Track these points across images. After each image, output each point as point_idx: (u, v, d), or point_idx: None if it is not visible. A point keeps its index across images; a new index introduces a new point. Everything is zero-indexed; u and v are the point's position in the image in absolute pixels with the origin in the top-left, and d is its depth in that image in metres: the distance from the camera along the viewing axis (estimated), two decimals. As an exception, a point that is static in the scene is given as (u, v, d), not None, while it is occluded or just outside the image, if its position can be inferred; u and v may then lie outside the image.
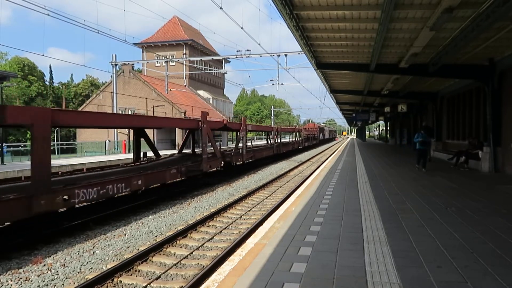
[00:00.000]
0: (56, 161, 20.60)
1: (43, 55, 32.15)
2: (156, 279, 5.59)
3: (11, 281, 5.56)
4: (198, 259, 6.49)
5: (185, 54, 47.10)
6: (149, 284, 5.40)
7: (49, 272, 5.88)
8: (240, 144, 19.49)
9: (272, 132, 28.50)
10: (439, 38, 10.56)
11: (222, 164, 16.31)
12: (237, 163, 18.48)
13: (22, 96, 54.48)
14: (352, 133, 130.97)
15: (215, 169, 15.73)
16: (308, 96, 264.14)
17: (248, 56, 26.56)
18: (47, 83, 64.47)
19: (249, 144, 27.63)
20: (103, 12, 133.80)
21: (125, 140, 30.53)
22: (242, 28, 18.58)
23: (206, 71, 46.22)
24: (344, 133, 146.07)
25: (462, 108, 17.63)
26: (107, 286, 5.37)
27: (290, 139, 39.25)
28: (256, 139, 58.61)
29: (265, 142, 43.84)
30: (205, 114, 14.25)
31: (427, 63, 13.30)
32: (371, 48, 11.84)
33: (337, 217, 6.09)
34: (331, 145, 68.07)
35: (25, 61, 59.22)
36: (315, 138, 54.41)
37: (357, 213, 6.36)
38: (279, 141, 29.40)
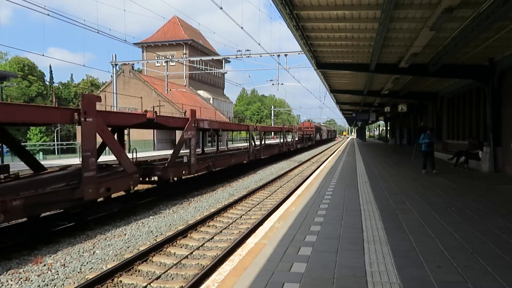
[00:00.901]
0: (56, 161, 20.63)
1: (43, 55, 32.16)
2: (156, 279, 5.59)
3: (11, 281, 5.56)
4: (198, 259, 6.49)
5: (185, 54, 47.09)
6: (149, 284, 5.41)
7: (49, 272, 5.88)
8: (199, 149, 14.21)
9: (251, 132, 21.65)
10: (439, 38, 10.56)
11: (154, 180, 11.89)
12: (183, 177, 13.18)
13: (22, 96, 54.51)
14: (352, 133, 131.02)
15: (120, 193, 10.54)
16: (308, 96, 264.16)
17: (248, 56, 26.54)
18: (47, 83, 64.49)
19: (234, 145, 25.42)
20: (103, 12, 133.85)
21: (125, 140, 30.56)
22: (242, 28, 18.58)
23: (206, 71, 46.20)
24: (344, 133, 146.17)
25: (462, 108, 17.64)
26: (107, 286, 5.37)
27: (280, 141, 32.65)
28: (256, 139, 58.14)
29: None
30: (92, 98, 8.48)
31: (427, 63, 13.30)
32: (371, 48, 11.84)
33: (337, 217, 6.09)
34: (330, 145, 63.53)
35: (25, 61, 59.24)
36: (310, 138, 48.03)
37: (357, 213, 6.36)
38: (260, 143, 25.11)
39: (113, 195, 10.21)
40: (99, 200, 9.51)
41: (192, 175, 13.83)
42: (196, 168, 13.42)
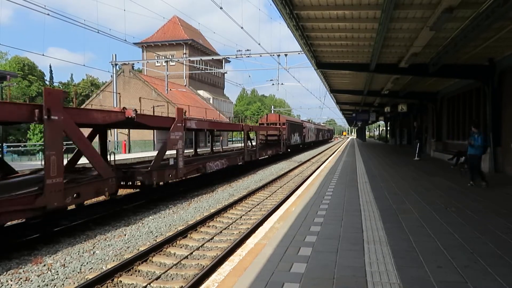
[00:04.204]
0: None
1: (43, 55, 32.17)
2: (156, 279, 5.59)
3: (11, 281, 5.56)
4: (198, 259, 6.49)
5: (185, 54, 47.07)
6: (149, 284, 5.41)
7: (49, 272, 5.88)
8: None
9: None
10: (439, 38, 10.56)
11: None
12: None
13: (22, 96, 54.48)
14: (352, 133, 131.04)
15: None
16: (308, 96, 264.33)
17: (248, 56, 26.54)
18: (47, 83, 64.47)
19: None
20: (103, 12, 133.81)
21: (125, 140, 30.57)
22: (242, 28, 18.59)
23: (206, 71, 46.20)
24: (344, 133, 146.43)
25: (462, 108, 17.63)
26: (107, 286, 5.37)
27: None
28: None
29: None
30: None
31: (427, 63, 13.29)
32: (371, 48, 11.84)
33: (337, 217, 6.09)
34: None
35: (25, 60, 59.20)
36: (275, 143, 28.76)
37: (357, 213, 6.36)
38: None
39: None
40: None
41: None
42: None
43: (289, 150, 32.20)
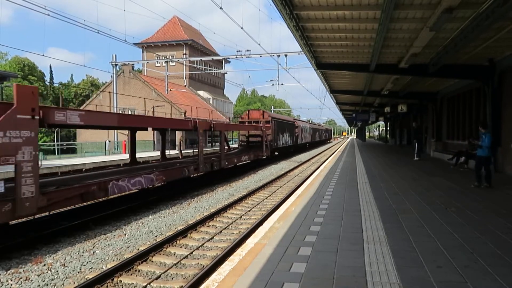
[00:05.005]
0: (57, 161, 20.61)
1: (43, 55, 32.18)
2: (156, 279, 5.59)
3: (11, 280, 5.57)
4: (198, 259, 6.49)
5: (185, 54, 47.07)
6: (149, 284, 5.41)
7: (49, 271, 5.89)
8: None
9: None
10: (439, 38, 10.56)
11: None
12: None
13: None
14: (352, 134, 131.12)
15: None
16: (308, 96, 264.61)
17: (248, 56, 26.52)
18: (47, 83, 64.48)
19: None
20: (103, 12, 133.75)
21: (125, 140, 30.55)
22: (242, 28, 18.59)
23: (206, 71, 46.20)
24: (344, 133, 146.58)
25: (462, 108, 17.63)
26: (107, 286, 5.38)
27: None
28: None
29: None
30: None
31: (427, 63, 13.29)
32: (371, 48, 11.84)
33: (337, 217, 6.09)
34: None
35: (25, 61, 59.22)
36: (259, 145, 23.45)
37: (357, 213, 6.36)
38: None
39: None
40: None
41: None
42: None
43: (276, 153, 27.56)
